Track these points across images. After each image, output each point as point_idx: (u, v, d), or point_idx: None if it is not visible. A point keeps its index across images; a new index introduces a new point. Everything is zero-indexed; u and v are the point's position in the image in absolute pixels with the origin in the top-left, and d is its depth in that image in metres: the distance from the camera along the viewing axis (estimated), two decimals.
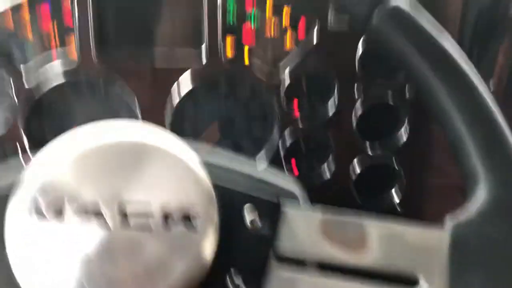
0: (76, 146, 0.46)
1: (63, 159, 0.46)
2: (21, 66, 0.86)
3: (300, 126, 0.92)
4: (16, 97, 0.85)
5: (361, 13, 0.48)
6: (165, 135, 0.49)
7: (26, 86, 0.85)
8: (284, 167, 0.94)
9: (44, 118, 0.90)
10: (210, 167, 0.48)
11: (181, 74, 0.88)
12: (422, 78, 0.47)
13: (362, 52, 0.89)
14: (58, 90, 0.88)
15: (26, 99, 0.86)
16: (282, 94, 0.90)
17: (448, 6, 0.89)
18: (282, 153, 0.93)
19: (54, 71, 0.86)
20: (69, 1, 0.83)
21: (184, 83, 0.89)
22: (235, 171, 0.54)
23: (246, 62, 0.90)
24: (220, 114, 0.93)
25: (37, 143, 0.89)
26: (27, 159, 0.52)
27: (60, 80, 0.87)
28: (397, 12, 0.47)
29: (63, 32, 0.86)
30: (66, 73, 0.86)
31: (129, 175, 0.44)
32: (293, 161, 0.95)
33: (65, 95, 0.89)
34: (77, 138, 0.48)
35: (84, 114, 0.91)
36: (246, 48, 0.90)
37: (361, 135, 0.93)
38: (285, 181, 0.58)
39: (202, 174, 0.46)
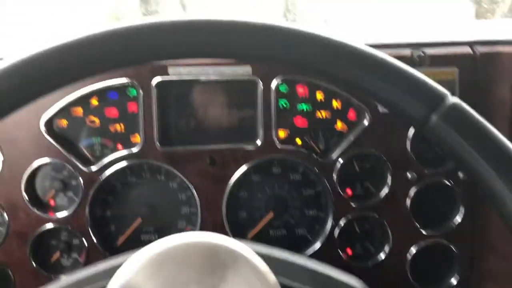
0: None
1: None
2: (85, 149, 0.92)
3: (353, 206, 0.93)
4: (82, 180, 0.91)
5: (416, 114, 0.45)
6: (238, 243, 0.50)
7: (92, 170, 0.91)
8: (338, 248, 0.94)
9: (108, 201, 0.95)
10: (275, 263, 0.50)
11: (236, 167, 0.92)
12: (478, 170, 0.47)
13: (414, 135, 0.91)
14: (120, 173, 0.93)
15: (91, 181, 0.91)
16: (334, 174, 0.92)
17: (497, 90, 0.91)
18: (336, 234, 0.93)
19: (118, 156, 0.92)
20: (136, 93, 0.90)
21: (240, 171, 0.92)
22: (300, 266, 0.55)
23: (299, 142, 0.93)
24: (274, 196, 0.95)
25: (100, 224, 0.94)
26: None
27: (123, 164, 0.92)
28: (458, 111, 0.44)
29: (129, 120, 0.92)
30: (129, 157, 0.91)
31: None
32: (347, 242, 0.96)
33: (127, 179, 0.94)
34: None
35: (145, 198, 0.95)
36: (297, 130, 0.93)
37: (415, 216, 0.93)
38: (347, 276, 0.59)
39: (273, 279, 0.47)
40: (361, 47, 0.44)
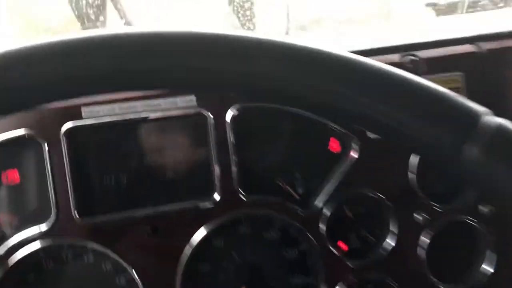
0: None
1: None
2: None
3: (350, 266, 0.70)
4: None
5: (440, 146, 0.30)
6: None
7: None
8: None
9: None
10: None
11: (187, 234, 0.68)
12: None
13: (419, 164, 0.69)
14: (32, 259, 0.67)
15: None
16: (322, 226, 0.69)
17: None
18: None
19: (25, 236, 0.66)
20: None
21: (196, 237, 0.68)
22: None
23: (270, 189, 0.70)
24: (247, 265, 0.71)
25: None
26: None
27: (35, 246, 0.66)
28: (504, 135, 0.28)
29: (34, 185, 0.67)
30: (40, 237, 0.66)
31: None
32: None
33: (42, 266, 0.68)
34: None
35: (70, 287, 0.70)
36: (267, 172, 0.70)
37: (432, 272, 0.71)
38: None
39: None
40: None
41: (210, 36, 0.31)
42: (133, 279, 0.67)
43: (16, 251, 0.66)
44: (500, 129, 0.30)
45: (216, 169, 0.67)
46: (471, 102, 0.31)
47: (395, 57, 0.71)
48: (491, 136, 0.29)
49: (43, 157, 0.65)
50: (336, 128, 0.70)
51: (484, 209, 0.70)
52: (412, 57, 0.71)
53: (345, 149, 0.70)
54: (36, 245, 0.66)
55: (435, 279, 0.71)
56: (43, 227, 0.65)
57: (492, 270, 0.70)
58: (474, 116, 0.30)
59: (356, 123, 0.34)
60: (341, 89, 0.31)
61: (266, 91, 0.32)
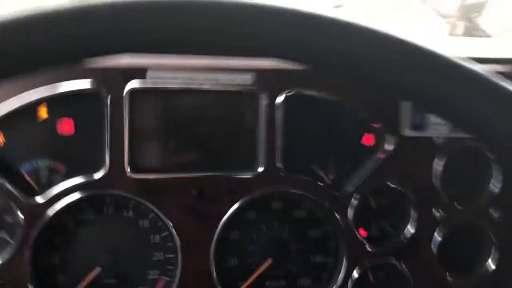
0: None
1: None
2: (27, 174, 0.69)
3: (369, 250, 0.76)
4: (22, 216, 0.67)
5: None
6: None
7: (36, 202, 0.68)
8: None
9: (56, 244, 0.71)
10: None
11: (231, 201, 0.72)
12: None
13: (444, 164, 0.76)
14: (74, 208, 0.70)
15: (34, 218, 0.68)
16: (350, 211, 0.75)
17: None
18: (349, 287, 0.76)
19: (72, 184, 0.69)
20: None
21: (235, 206, 0.73)
22: None
23: (307, 171, 0.75)
24: (274, 239, 0.76)
25: (45, 275, 0.70)
26: None
27: (78, 195, 0.69)
28: None
29: (90, 137, 0.70)
30: (87, 187, 0.69)
31: None
32: None
33: (82, 216, 0.72)
34: None
35: (105, 241, 0.73)
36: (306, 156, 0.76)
37: (441, 264, 0.77)
38: None
39: None
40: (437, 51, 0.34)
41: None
42: (170, 237, 0.71)
43: (61, 198, 0.69)
44: None
45: (262, 145, 0.72)
46: None
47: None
48: None
49: (104, 111, 0.68)
50: (372, 124, 0.76)
51: (494, 213, 0.77)
52: None
53: (378, 143, 0.76)
54: (79, 195, 0.69)
55: (443, 271, 0.77)
56: (95, 176, 0.69)
57: (494, 267, 0.78)
58: None
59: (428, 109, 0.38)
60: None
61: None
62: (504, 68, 0.74)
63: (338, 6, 1.23)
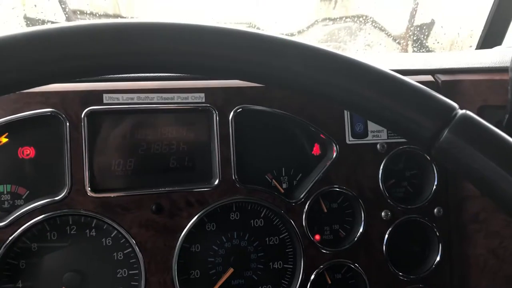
0: None
1: None
2: None
3: (324, 252, 0.80)
4: None
5: (426, 131, 0.39)
6: None
7: None
8: None
9: (19, 268, 0.72)
10: None
11: (189, 214, 0.76)
12: (498, 183, 0.40)
13: (386, 167, 0.82)
14: (37, 230, 0.72)
15: None
16: (304, 217, 0.79)
17: None
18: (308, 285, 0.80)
19: (33, 206, 0.71)
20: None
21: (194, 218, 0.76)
22: None
23: (260, 181, 0.80)
24: (234, 248, 0.80)
25: None
26: None
27: (41, 216, 0.71)
28: (469, 122, 0.39)
29: (50, 161, 0.73)
30: (49, 208, 0.71)
31: None
32: None
33: (46, 238, 0.73)
34: None
35: (70, 262, 0.74)
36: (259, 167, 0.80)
37: (392, 261, 0.83)
38: None
39: None
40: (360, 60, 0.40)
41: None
42: (133, 253, 0.74)
43: (23, 221, 0.70)
44: (466, 117, 0.40)
45: (217, 159, 0.76)
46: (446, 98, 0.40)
47: None
48: (463, 123, 0.39)
49: (63, 133, 0.71)
50: (319, 135, 0.81)
51: (435, 210, 0.84)
52: None
53: (325, 152, 0.82)
54: (41, 216, 0.71)
55: (395, 268, 0.83)
56: (54, 198, 0.71)
57: (439, 259, 0.84)
58: (451, 108, 0.40)
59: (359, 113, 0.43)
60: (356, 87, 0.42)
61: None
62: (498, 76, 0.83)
63: None
